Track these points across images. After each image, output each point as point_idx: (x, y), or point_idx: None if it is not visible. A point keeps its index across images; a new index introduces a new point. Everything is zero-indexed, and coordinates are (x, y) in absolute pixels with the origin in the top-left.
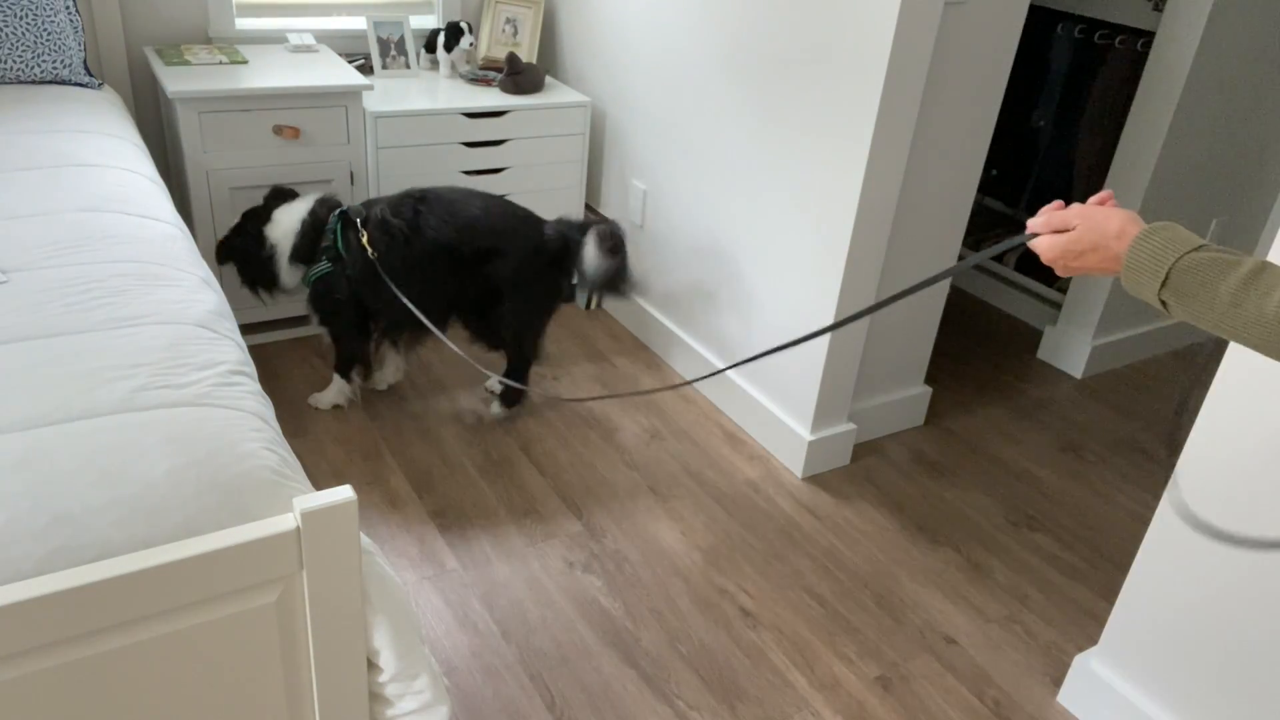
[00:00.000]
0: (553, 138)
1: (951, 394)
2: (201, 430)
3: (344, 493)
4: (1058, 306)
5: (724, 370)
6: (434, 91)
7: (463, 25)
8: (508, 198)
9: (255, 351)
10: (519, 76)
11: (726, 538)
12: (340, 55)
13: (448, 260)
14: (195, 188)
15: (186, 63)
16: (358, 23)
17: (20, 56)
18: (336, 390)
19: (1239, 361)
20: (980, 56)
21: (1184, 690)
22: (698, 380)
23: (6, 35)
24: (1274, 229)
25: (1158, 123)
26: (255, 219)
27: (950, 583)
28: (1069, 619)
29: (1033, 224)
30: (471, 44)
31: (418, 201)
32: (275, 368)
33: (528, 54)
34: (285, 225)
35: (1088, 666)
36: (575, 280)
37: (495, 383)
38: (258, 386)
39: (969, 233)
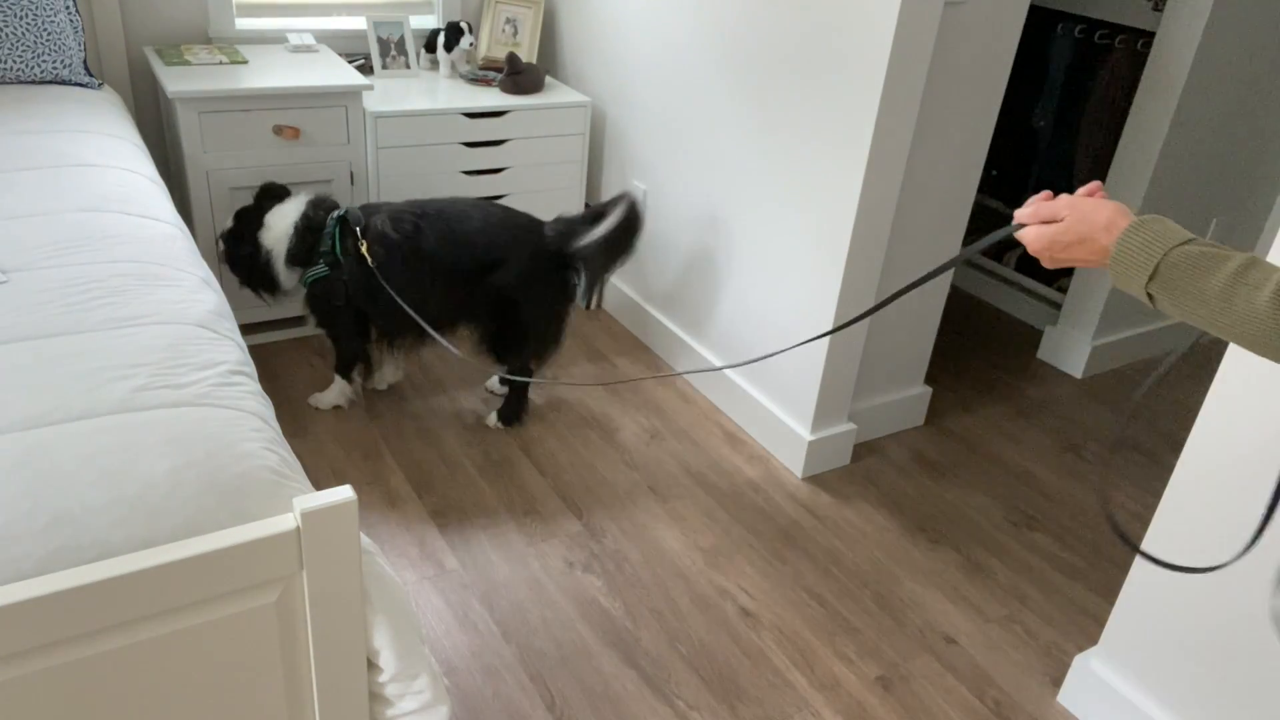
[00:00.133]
0: (553, 138)
1: (951, 394)
2: (201, 430)
3: (344, 493)
4: (1058, 306)
5: (723, 368)
6: (434, 91)
7: (463, 25)
8: (507, 201)
9: (255, 351)
10: (519, 76)
11: (726, 538)
12: (340, 55)
13: (448, 275)
14: (195, 188)
15: (186, 63)
16: (358, 23)
17: (20, 56)
18: (337, 391)
19: (1239, 362)
20: (980, 56)
21: (1184, 690)
22: (696, 372)
23: (6, 35)
24: (1274, 229)
25: (1158, 123)
26: (249, 222)
27: (950, 583)
28: (1069, 619)
29: (1020, 214)
30: (471, 44)
31: (418, 217)
32: (275, 368)
33: (528, 54)
34: (279, 230)
35: (1088, 666)
36: (585, 248)
37: (496, 384)
38: (258, 386)
39: (969, 233)
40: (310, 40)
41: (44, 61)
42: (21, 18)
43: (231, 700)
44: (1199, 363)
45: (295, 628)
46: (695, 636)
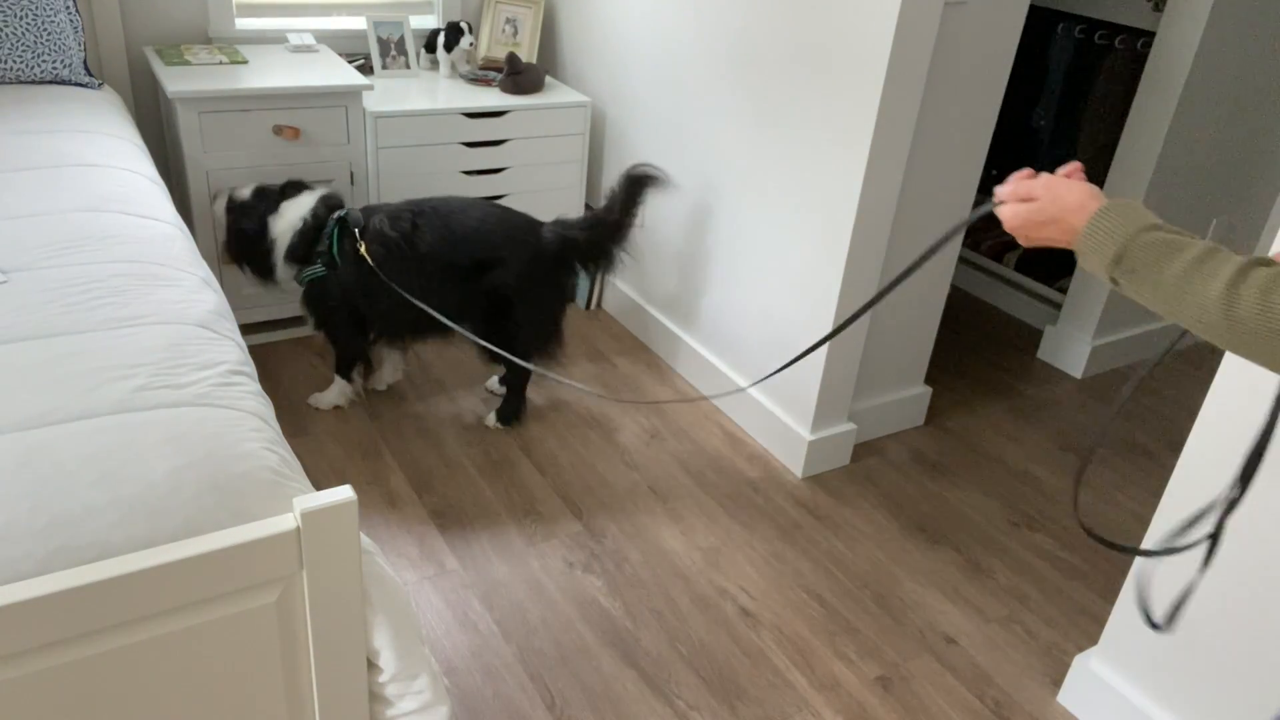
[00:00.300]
0: (553, 138)
1: (951, 394)
2: (201, 430)
3: (344, 493)
4: (1058, 306)
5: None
6: (434, 91)
7: (463, 25)
8: (507, 201)
9: (255, 351)
10: (519, 76)
11: (727, 538)
12: (340, 55)
13: (445, 274)
14: (195, 188)
15: (186, 63)
16: (358, 23)
17: (20, 56)
18: (337, 391)
19: (1239, 361)
20: (980, 56)
21: (1184, 690)
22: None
23: (6, 35)
24: (1274, 229)
25: (1158, 123)
26: (265, 201)
27: (950, 583)
28: (1069, 619)
29: (1000, 192)
30: (471, 44)
31: (415, 215)
32: (275, 368)
33: (528, 54)
34: (287, 220)
35: (1088, 666)
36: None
37: (495, 383)
38: (258, 386)
39: (968, 232)
40: (310, 40)
41: (44, 61)
42: (21, 18)
43: (231, 700)
44: (1199, 363)
45: (295, 628)
46: (695, 636)
